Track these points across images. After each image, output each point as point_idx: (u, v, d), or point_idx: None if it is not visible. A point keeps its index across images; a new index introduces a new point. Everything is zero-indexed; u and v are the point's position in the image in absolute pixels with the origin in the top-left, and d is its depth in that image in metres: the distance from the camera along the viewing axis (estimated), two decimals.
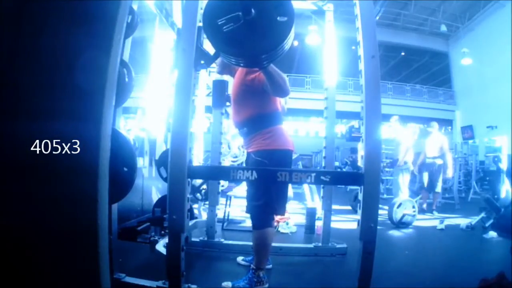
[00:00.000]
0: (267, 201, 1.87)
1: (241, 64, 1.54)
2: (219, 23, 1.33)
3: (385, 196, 6.87)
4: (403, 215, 4.06)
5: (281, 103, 2.11)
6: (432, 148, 5.31)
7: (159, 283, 1.71)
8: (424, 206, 5.26)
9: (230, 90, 2.23)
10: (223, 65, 2.12)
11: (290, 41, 1.41)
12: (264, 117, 1.91)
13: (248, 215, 1.97)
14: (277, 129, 1.93)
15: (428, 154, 5.31)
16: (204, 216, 3.37)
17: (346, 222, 4.23)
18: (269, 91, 1.76)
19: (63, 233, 1.15)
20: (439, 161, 5.19)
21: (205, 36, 1.58)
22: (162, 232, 2.54)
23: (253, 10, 1.32)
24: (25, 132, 1.16)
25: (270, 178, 1.53)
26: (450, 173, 5.24)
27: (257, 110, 1.90)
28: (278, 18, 1.33)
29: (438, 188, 5.24)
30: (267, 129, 1.90)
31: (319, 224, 3.09)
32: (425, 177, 5.26)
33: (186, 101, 1.44)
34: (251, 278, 1.87)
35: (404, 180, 4.80)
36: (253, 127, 1.92)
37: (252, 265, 1.93)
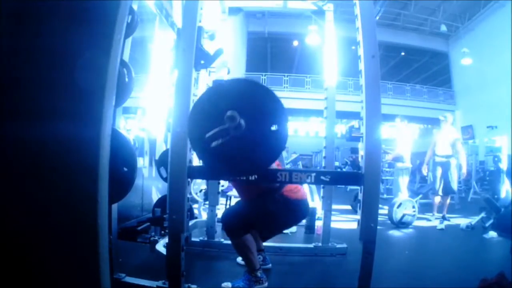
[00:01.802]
0: (245, 221, 1.87)
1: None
2: (206, 137, 1.21)
3: (385, 196, 6.87)
4: (403, 215, 4.06)
5: None
6: (443, 145, 4.51)
7: (159, 283, 1.71)
8: (444, 212, 4.38)
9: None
10: None
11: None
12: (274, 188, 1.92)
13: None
14: (289, 185, 1.96)
15: (438, 152, 4.52)
16: (204, 216, 3.37)
17: (346, 222, 4.23)
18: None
19: (63, 233, 1.15)
20: (453, 161, 4.40)
21: (205, 35, 1.58)
22: (162, 232, 2.54)
23: (242, 122, 1.20)
24: (25, 132, 1.16)
25: (270, 178, 1.53)
26: (464, 173, 4.52)
27: (264, 186, 1.91)
28: (273, 127, 1.21)
29: (454, 186, 4.40)
30: (285, 187, 1.93)
31: (319, 224, 3.09)
32: (437, 177, 4.46)
33: (186, 101, 1.44)
34: (250, 278, 1.87)
35: (403, 181, 4.78)
36: (270, 195, 1.92)
37: (246, 268, 1.93)
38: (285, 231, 3.47)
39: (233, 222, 1.87)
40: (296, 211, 1.99)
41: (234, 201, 3.98)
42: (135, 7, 1.60)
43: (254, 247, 1.90)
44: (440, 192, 4.39)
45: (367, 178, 1.38)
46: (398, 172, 4.88)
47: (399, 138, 4.93)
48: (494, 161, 7.23)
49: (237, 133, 1.20)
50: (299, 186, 2.03)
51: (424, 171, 4.94)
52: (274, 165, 1.81)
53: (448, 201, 4.52)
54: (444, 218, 4.26)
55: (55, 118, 1.18)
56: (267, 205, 1.88)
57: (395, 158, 4.90)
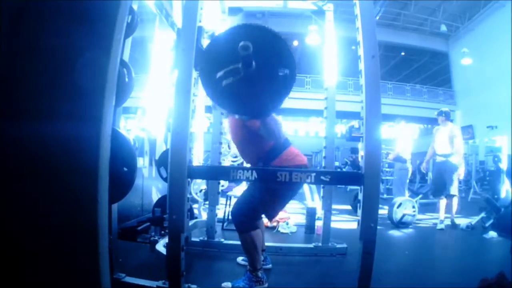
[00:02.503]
0: (254, 207, 1.88)
1: (239, 117, 1.51)
2: (218, 76, 1.26)
3: (385, 196, 6.87)
4: (403, 215, 4.06)
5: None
6: (441, 143, 4.23)
7: (159, 283, 1.71)
8: (452, 215, 4.07)
9: (228, 128, 2.24)
10: None
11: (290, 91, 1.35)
12: (275, 148, 1.91)
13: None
14: (292, 149, 1.96)
15: (438, 151, 4.25)
16: (204, 216, 3.37)
17: (347, 222, 4.23)
18: (264, 135, 1.77)
19: (63, 233, 1.15)
20: (454, 159, 4.09)
21: (205, 35, 1.58)
22: (162, 232, 2.54)
23: (253, 63, 1.25)
24: (25, 132, 1.16)
25: (270, 178, 1.53)
26: (461, 173, 4.19)
27: (265, 146, 1.90)
28: (280, 72, 1.26)
29: (454, 191, 4.06)
30: (283, 153, 1.91)
31: (319, 224, 3.09)
32: (437, 178, 4.24)
33: (186, 101, 1.44)
34: (250, 278, 1.87)
35: (402, 182, 4.78)
36: (268, 159, 1.91)
37: (248, 267, 1.93)
38: (284, 231, 3.48)
39: (243, 215, 1.87)
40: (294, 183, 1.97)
41: (234, 201, 3.98)
42: (135, 7, 1.60)
43: (261, 246, 1.91)
44: (441, 194, 4.11)
45: (367, 178, 1.38)
46: (397, 174, 4.88)
47: (400, 139, 4.93)
48: (494, 161, 7.23)
49: (247, 71, 1.24)
50: (296, 152, 1.98)
51: (423, 169, 4.82)
52: (280, 123, 1.80)
53: (455, 203, 4.10)
54: (452, 222, 4.00)
55: (55, 118, 1.18)
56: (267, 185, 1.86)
57: (395, 158, 4.90)
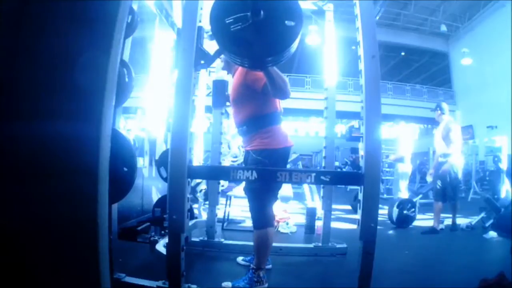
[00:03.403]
0: (269, 201, 1.90)
1: (245, 65, 1.54)
2: (227, 21, 1.33)
3: (385, 196, 6.88)
4: (403, 215, 4.06)
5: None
6: (438, 143, 3.90)
7: (159, 283, 1.71)
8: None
9: (230, 89, 2.23)
10: (226, 62, 2.12)
11: (296, 45, 1.40)
12: (263, 117, 1.92)
13: (249, 214, 1.98)
14: (276, 128, 1.93)
15: (437, 151, 3.97)
16: (204, 216, 3.37)
17: (347, 222, 4.23)
18: (270, 92, 1.76)
19: (63, 233, 1.15)
20: (453, 160, 3.75)
21: (205, 35, 1.57)
22: (162, 232, 2.54)
23: (262, 12, 1.31)
24: (25, 132, 1.16)
25: (269, 178, 1.53)
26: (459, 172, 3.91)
27: (256, 110, 1.91)
28: (286, 22, 1.32)
29: (454, 197, 3.78)
30: (266, 128, 1.90)
31: (319, 224, 3.09)
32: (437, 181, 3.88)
33: (186, 101, 1.44)
34: (251, 278, 1.87)
35: (403, 183, 4.79)
36: (253, 126, 1.93)
37: (252, 265, 1.93)
38: (284, 231, 3.48)
39: (260, 212, 1.89)
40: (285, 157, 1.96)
41: (234, 201, 3.98)
42: (135, 7, 1.60)
43: (272, 243, 1.93)
44: (439, 200, 3.87)
45: (367, 178, 1.38)
46: (398, 175, 4.89)
47: (401, 139, 4.94)
48: (494, 161, 7.25)
49: (255, 20, 1.30)
50: (281, 131, 1.95)
51: (429, 178, 4.30)
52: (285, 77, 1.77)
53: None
54: (454, 225, 3.83)
55: (55, 118, 1.18)
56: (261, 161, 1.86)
57: (396, 159, 4.91)
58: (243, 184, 3.81)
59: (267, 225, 1.89)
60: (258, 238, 1.90)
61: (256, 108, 1.91)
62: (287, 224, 3.60)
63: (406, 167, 4.81)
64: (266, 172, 1.56)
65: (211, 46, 1.53)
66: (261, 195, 1.89)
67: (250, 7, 1.31)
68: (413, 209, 4.13)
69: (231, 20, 1.32)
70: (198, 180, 3.26)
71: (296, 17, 1.34)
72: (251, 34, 1.32)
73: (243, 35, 1.33)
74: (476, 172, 8.59)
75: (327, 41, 2.69)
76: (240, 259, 2.40)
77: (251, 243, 2.07)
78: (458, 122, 3.99)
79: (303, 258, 2.59)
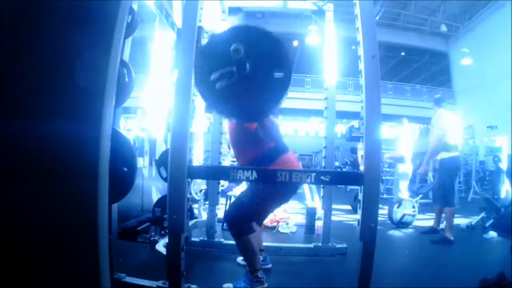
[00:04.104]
0: (248, 211, 1.86)
1: (235, 121, 1.49)
2: (212, 79, 1.24)
3: (385, 196, 6.88)
4: (403, 215, 4.06)
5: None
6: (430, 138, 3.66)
7: (159, 283, 1.71)
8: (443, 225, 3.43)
9: (226, 128, 2.23)
10: None
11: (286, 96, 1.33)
12: (271, 153, 1.88)
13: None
14: (288, 156, 1.91)
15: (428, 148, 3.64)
16: (204, 216, 3.37)
17: (347, 222, 4.23)
18: (261, 136, 1.75)
19: (63, 233, 1.15)
20: (442, 156, 3.41)
21: (205, 35, 1.58)
22: (162, 232, 2.54)
23: (248, 65, 1.23)
24: (25, 132, 1.16)
25: (269, 178, 1.53)
26: (421, 169, 3.78)
27: (261, 149, 1.86)
28: (276, 75, 1.23)
29: (448, 202, 3.37)
30: (279, 159, 1.86)
31: (319, 224, 3.09)
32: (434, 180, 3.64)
33: (186, 101, 1.44)
34: (251, 279, 1.87)
35: (403, 184, 4.75)
36: (263, 163, 1.86)
37: (247, 268, 1.92)
38: (284, 231, 3.48)
39: (237, 216, 1.86)
40: (289, 188, 1.92)
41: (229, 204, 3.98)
42: (135, 7, 1.60)
43: (258, 247, 1.90)
44: (435, 203, 3.69)
45: (367, 178, 1.38)
46: (398, 175, 4.85)
47: (401, 139, 4.92)
48: (494, 161, 7.24)
49: (241, 74, 1.22)
50: (292, 158, 1.94)
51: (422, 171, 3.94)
52: (276, 124, 1.78)
53: (447, 213, 3.34)
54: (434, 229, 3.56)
55: (55, 118, 1.18)
56: (262, 188, 1.84)
57: (396, 158, 4.85)
58: (243, 184, 3.83)
59: (245, 233, 1.84)
60: (240, 247, 1.88)
61: (259, 148, 1.87)
62: (287, 224, 3.60)
63: (406, 167, 4.78)
64: (266, 172, 1.56)
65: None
66: (247, 208, 1.87)
67: (235, 61, 1.21)
68: (413, 209, 4.13)
69: (215, 77, 1.24)
70: (198, 181, 3.26)
71: (285, 65, 1.25)
72: (239, 90, 1.24)
73: (229, 92, 1.24)
74: (476, 172, 8.58)
75: (327, 41, 2.69)
76: (240, 259, 2.40)
77: None
78: (454, 113, 3.59)
79: (303, 258, 2.59)
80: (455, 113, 3.63)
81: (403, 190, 4.66)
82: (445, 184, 3.40)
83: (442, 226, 3.93)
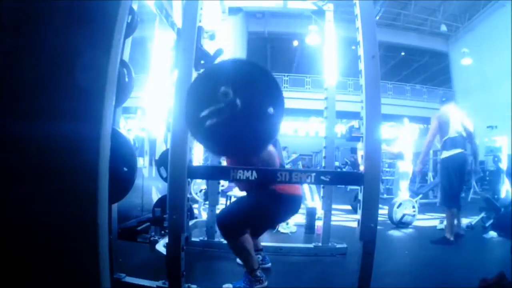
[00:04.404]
0: (240, 217, 1.86)
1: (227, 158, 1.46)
2: (202, 116, 1.19)
3: (385, 196, 6.87)
4: (403, 215, 4.06)
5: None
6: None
7: (159, 283, 1.71)
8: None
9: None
10: None
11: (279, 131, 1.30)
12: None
13: None
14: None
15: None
16: (204, 216, 3.37)
17: (347, 222, 4.23)
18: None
19: (63, 233, 1.15)
20: (443, 155, 3.31)
21: (205, 35, 1.57)
22: (162, 232, 2.54)
23: (238, 102, 1.19)
24: (25, 132, 1.16)
25: (269, 178, 1.53)
26: (417, 168, 3.73)
27: None
28: (269, 110, 1.19)
29: (447, 202, 3.30)
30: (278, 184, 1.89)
31: (319, 224, 3.09)
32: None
33: None
34: (250, 279, 1.87)
35: (403, 184, 4.74)
36: (262, 188, 1.90)
37: (245, 269, 1.92)
38: (284, 231, 3.48)
39: (229, 223, 1.86)
40: (289, 206, 1.97)
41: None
42: (135, 7, 1.60)
43: (252, 247, 1.90)
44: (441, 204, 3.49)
45: (367, 178, 1.38)
46: (398, 175, 4.84)
47: (401, 137, 4.91)
48: (494, 161, 7.24)
49: (232, 112, 1.18)
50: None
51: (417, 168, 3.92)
52: (275, 154, 1.79)
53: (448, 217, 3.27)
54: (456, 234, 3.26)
55: (55, 118, 1.18)
56: (261, 200, 1.86)
57: (394, 154, 4.82)
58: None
59: (236, 236, 1.84)
60: (234, 248, 1.89)
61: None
62: (287, 224, 3.60)
63: (407, 167, 4.76)
64: (266, 172, 1.56)
65: (211, 46, 1.52)
66: (235, 209, 1.88)
67: (225, 97, 1.17)
68: (413, 209, 4.13)
69: (205, 114, 1.19)
70: (198, 181, 3.26)
71: (277, 100, 1.21)
72: (230, 128, 1.20)
73: (220, 130, 1.20)
74: (476, 172, 8.56)
75: (327, 41, 2.69)
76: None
77: None
78: (454, 111, 3.43)
79: (303, 258, 2.59)
80: (458, 109, 3.48)
81: (403, 190, 4.66)
82: (443, 184, 3.38)
83: (441, 226, 3.93)
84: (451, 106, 3.49)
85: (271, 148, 1.69)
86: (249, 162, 1.68)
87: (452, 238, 3.18)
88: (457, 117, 3.39)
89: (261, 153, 1.58)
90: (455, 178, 3.26)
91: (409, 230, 4.00)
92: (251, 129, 1.23)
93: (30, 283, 1.16)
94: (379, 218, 1.43)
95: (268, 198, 1.88)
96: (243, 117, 1.21)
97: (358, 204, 1.43)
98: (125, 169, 1.42)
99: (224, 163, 3.92)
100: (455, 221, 3.30)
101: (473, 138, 3.48)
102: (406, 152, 4.77)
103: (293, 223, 3.68)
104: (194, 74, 1.47)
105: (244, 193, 2.16)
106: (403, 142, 4.83)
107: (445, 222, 3.51)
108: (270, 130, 1.25)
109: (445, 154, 3.34)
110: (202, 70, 1.36)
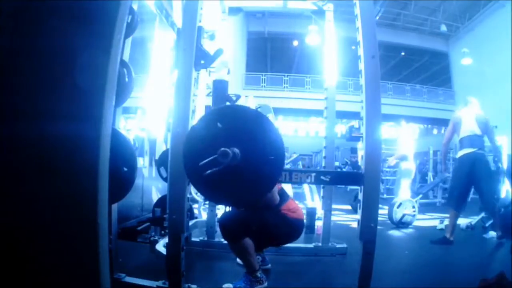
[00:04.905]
0: (243, 222, 1.86)
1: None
2: (200, 164, 1.19)
3: (385, 196, 6.87)
4: (403, 215, 4.06)
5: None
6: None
7: (159, 283, 1.71)
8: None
9: None
10: None
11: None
12: (277, 205, 1.97)
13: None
14: (290, 203, 2.03)
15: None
16: (204, 216, 3.37)
17: (347, 221, 4.23)
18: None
19: (63, 233, 1.15)
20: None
21: (205, 35, 1.57)
22: (162, 232, 2.54)
23: (237, 153, 1.18)
24: (25, 132, 1.16)
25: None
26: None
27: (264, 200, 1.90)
28: (267, 158, 1.18)
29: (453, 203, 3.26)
30: (285, 205, 1.98)
31: (319, 224, 3.09)
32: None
33: (186, 101, 1.44)
34: (250, 279, 1.87)
35: (405, 183, 4.71)
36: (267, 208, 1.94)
37: (245, 269, 1.92)
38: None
39: (232, 226, 1.86)
40: (292, 229, 2.02)
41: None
42: (135, 7, 1.60)
43: (253, 248, 1.90)
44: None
45: (367, 178, 1.38)
46: (400, 174, 4.80)
47: (402, 138, 4.91)
48: (494, 161, 7.22)
49: (232, 163, 1.18)
50: (297, 206, 2.07)
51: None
52: (274, 190, 1.85)
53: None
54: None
55: (55, 118, 1.18)
56: (267, 217, 1.90)
57: (400, 157, 4.81)
58: None
59: (237, 238, 1.85)
60: (234, 250, 1.91)
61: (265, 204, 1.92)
62: None
63: (409, 165, 4.73)
64: None
65: (211, 46, 1.52)
66: (238, 214, 1.90)
67: (224, 158, 1.16)
68: (413, 209, 4.13)
69: (204, 163, 1.18)
70: None
71: (276, 146, 1.20)
72: (229, 177, 1.19)
73: (219, 179, 1.19)
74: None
75: (327, 41, 2.69)
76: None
77: None
78: (469, 111, 3.35)
79: (303, 258, 2.59)
80: (475, 109, 3.38)
81: (404, 189, 4.61)
82: (451, 183, 3.40)
83: (441, 226, 3.93)
84: (470, 106, 3.40)
85: None
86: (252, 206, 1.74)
87: (452, 238, 3.17)
88: (471, 116, 3.30)
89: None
90: (462, 178, 3.22)
91: (409, 230, 4.00)
92: (250, 178, 1.22)
93: (30, 283, 1.16)
94: (379, 218, 1.43)
95: (273, 217, 1.92)
96: (244, 165, 1.19)
97: (358, 204, 1.43)
98: (125, 169, 1.42)
99: None
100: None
101: (492, 136, 3.37)
102: (409, 152, 4.76)
103: None
104: (194, 74, 1.48)
105: None
106: (404, 143, 4.83)
107: (446, 222, 3.49)
108: (271, 177, 1.24)
109: (459, 154, 3.31)
110: (201, 117, 1.33)
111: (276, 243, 2.13)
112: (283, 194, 2.05)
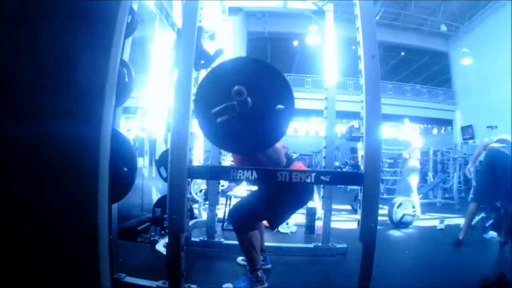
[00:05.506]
0: (254, 210, 1.86)
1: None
2: (212, 112, 1.22)
3: (385, 196, 6.87)
4: (403, 215, 4.06)
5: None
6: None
7: (159, 283, 1.71)
8: None
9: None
10: None
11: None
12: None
13: None
14: (297, 165, 1.94)
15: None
16: (204, 216, 3.37)
17: (347, 221, 4.23)
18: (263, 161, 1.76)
19: (63, 233, 1.15)
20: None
21: (205, 35, 1.57)
22: (162, 232, 2.54)
23: (249, 101, 1.20)
24: (25, 132, 1.16)
25: (269, 178, 1.53)
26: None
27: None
28: (277, 107, 1.21)
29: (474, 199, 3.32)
30: (291, 166, 1.89)
31: (319, 224, 3.09)
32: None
33: (186, 101, 1.44)
34: (250, 278, 1.87)
35: (413, 180, 4.66)
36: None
37: (247, 267, 1.92)
38: (284, 231, 3.48)
39: (240, 216, 1.86)
40: (302, 194, 1.95)
41: (234, 201, 3.98)
42: (135, 7, 1.60)
43: (259, 243, 1.90)
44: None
45: (367, 178, 1.38)
46: (408, 172, 4.74)
47: (411, 134, 4.90)
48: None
49: (243, 110, 1.20)
50: (304, 167, 1.99)
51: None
52: (280, 147, 1.80)
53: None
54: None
55: (55, 118, 1.18)
56: (274, 191, 1.85)
57: (413, 150, 4.74)
58: (244, 184, 3.82)
59: (248, 230, 1.84)
60: (242, 242, 1.88)
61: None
62: (287, 224, 3.59)
63: (415, 162, 4.68)
64: (266, 172, 1.56)
65: (211, 46, 1.52)
66: (249, 202, 1.88)
67: (238, 96, 1.18)
68: (413, 209, 4.13)
69: (216, 111, 1.22)
70: (198, 181, 3.26)
71: (287, 97, 1.23)
72: (240, 125, 1.22)
73: (231, 127, 1.21)
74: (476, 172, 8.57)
75: (327, 41, 2.69)
76: (240, 259, 2.40)
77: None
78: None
79: (303, 258, 2.59)
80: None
81: (413, 187, 4.53)
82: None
83: (442, 226, 3.93)
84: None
85: (277, 144, 1.70)
86: (257, 159, 1.70)
87: (461, 237, 3.19)
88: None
89: (268, 150, 1.58)
90: (482, 174, 3.29)
91: (409, 230, 4.00)
92: (262, 127, 1.25)
93: (31, 282, 1.16)
94: (379, 218, 1.43)
95: (280, 189, 1.84)
96: (254, 114, 1.23)
97: (358, 204, 1.43)
98: (125, 169, 1.42)
99: (226, 162, 3.94)
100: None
101: None
102: (420, 144, 4.75)
103: (293, 223, 3.68)
104: (194, 74, 1.48)
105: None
106: (413, 138, 4.81)
107: (445, 222, 3.48)
108: (280, 127, 1.26)
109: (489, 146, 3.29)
110: (212, 67, 1.37)
111: (289, 214, 2.07)
112: (289, 157, 1.98)
